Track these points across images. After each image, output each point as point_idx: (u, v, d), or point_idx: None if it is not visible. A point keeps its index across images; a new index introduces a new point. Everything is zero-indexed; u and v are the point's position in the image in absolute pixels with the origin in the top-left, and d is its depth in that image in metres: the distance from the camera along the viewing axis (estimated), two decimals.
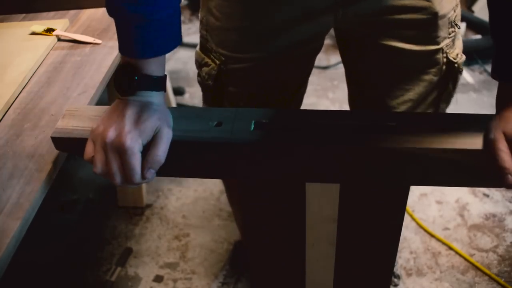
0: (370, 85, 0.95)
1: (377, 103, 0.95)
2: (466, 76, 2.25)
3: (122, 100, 0.68)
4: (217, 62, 0.90)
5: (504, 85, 0.68)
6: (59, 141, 0.71)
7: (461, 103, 2.07)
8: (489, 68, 2.26)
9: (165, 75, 0.70)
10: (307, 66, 0.97)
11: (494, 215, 1.62)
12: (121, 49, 0.68)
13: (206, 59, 0.93)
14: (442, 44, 0.88)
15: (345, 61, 1.00)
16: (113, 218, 1.72)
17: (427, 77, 0.91)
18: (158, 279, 1.51)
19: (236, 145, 0.66)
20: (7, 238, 0.65)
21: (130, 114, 0.66)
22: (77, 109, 0.75)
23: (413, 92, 0.92)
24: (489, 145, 0.62)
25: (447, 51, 0.89)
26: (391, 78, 0.92)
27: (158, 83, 0.69)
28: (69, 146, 0.73)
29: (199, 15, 0.94)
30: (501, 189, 1.69)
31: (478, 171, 0.65)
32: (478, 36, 2.39)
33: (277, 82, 0.92)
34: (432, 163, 0.65)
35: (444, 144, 0.63)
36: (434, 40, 0.87)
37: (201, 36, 0.94)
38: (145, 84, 0.67)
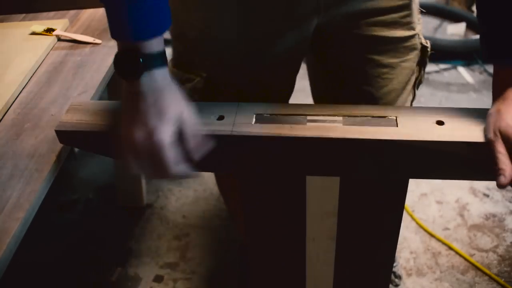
0: (354, 79, 0.96)
1: (362, 96, 0.95)
2: (466, 76, 2.25)
3: (131, 92, 0.66)
4: (203, 74, 0.89)
5: (498, 71, 0.70)
6: (63, 135, 0.73)
7: (461, 103, 2.07)
8: (489, 68, 2.26)
9: (164, 49, 0.68)
10: (296, 69, 0.97)
11: (494, 215, 1.62)
12: (117, 34, 0.65)
13: (187, 75, 0.90)
14: (417, 30, 0.91)
15: (323, 58, 0.99)
16: (113, 218, 1.72)
17: (408, 64, 0.93)
18: (158, 279, 1.51)
19: (238, 138, 0.67)
20: (7, 238, 0.65)
21: (148, 108, 0.64)
22: (81, 104, 0.76)
23: (397, 81, 0.93)
24: (488, 144, 0.64)
25: (421, 36, 0.93)
26: (375, 69, 0.92)
27: (162, 58, 0.67)
28: (72, 140, 0.74)
29: (170, 33, 0.90)
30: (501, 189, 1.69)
31: (476, 164, 0.66)
32: (478, 36, 2.39)
33: (267, 86, 0.92)
34: (431, 155, 0.65)
35: (443, 137, 0.64)
36: (411, 26, 0.90)
37: (177, 53, 0.92)
38: (150, 63, 0.65)
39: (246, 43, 0.85)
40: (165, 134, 0.63)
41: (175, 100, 0.66)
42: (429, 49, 0.95)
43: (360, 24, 0.87)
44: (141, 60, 0.64)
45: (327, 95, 1.06)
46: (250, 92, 0.91)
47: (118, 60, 0.66)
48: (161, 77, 0.66)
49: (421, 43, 0.94)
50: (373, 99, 0.94)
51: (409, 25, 0.89)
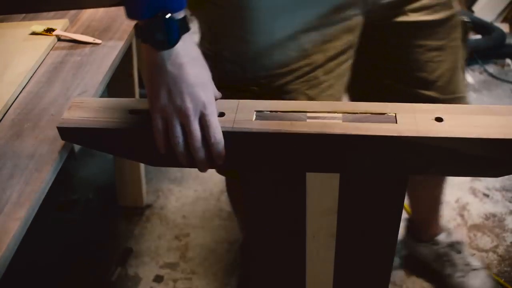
0: (405, 67, 0.96)
1: (416, 83, 0.96)
2: (466, 76, 2.25)
3: (162, 66, 0.64)
4: (256, 88, 0.86)
5: None
6: (65, 131, 0.73)
7: None
8: (489, 68, 2.26)
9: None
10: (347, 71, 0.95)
11: (494, 215, 1.62)
12: (152, 8, 0.62)
13: (237, 94, 0.87)
14: (456, 7, 0.93)
15: (371, 53, 0.97)
16: (113, 218, 1.72)
17: (455, 43, 0.95)
18: (158, 279, 1.51)
19: (238, 134, 0.67)
20: (7, 238, 0.65)
21: (193, 78, 0.65)
22: (83, 101, 0.76)
23: (448, 61, 0.95)
24: None
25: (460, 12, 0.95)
26: (425, 54, 0.93)
27: (187, 22, 0.65)
28: (74, 136, 0.74)
29: (212, 50, 0.87)
30: (501, 189, 1.69)
31: (476, 160, 0.66)
32: (478, 36, 2.39)
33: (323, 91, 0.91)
34: (430, 152, 0.66)
35: (442, 133, 0.64)
36: (451, 4, 0.91)
37: (223, 71, 0.87)
38: (183, 28, 0.64)
39: (300, 44, 0.84)
40: (214, 110, 0.66)
41: (207, 69, 0.68)
42: (468, 24, 0.97)
43: (404, 12, 0.88)
44: (177, 24, 0.63)
45: (375, 90, 1.03)
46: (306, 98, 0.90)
47: (148, 31, 0.63)
48: (191, 42, 0.66)
49: (462, 20, 0.95)
50: (428, 84, 0.96)
51: (449, 4, 0.91)
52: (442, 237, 1.40)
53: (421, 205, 1.38)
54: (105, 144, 0.75)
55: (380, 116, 0.69)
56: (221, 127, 0.68)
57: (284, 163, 0.71)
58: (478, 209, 1.64)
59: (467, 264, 1.37)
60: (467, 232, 1.57)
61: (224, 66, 0.87)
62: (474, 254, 1.49)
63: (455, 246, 1.40)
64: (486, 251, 1.51)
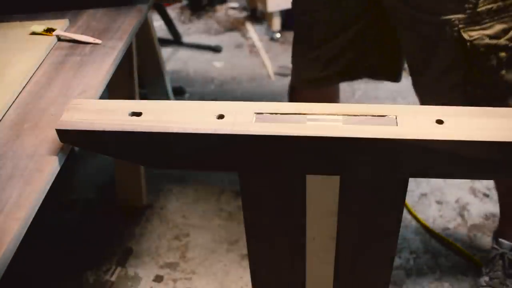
0: None
1: None
2: None
3: None
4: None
5: None
6: (64, 133, 0.72)
7: None
8: None
9: None
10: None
11: (494, 215, 1.62)
12: None
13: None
14: None
15: None
16: (113, 218, 1.72)
17: None
18: (158, 279, 1.51)
19: (238, 137, 0.67)
20: (7, 238, 0.65)
21: None
22: (81, 103, 0.76)
23: None
24: None
25: None
26: None
27: None
28: (73, 138, 0.73)
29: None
30: None
31: (477, 162, 0.66)
32: None
33: None
34: (431, 154, 0.66)
35: (443, 136, 0.64)
36: None
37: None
38: None
39: None
40: None
41: None
42: None
43: None
44: None
45: None
46: None
47: None
48: None
49: None
50: None
51: None
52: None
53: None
54: (105, 147, 0.75)
55: (380, 118, 0.68)
56: (221, 129, 0.68)
57: (284, 165, 0.71)
58: (478, 209, 1.64)
59: None
60: (467, 232, 1.57)
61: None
62: (475, 255, 1.50)
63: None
64: (486, 251, 1.51)
